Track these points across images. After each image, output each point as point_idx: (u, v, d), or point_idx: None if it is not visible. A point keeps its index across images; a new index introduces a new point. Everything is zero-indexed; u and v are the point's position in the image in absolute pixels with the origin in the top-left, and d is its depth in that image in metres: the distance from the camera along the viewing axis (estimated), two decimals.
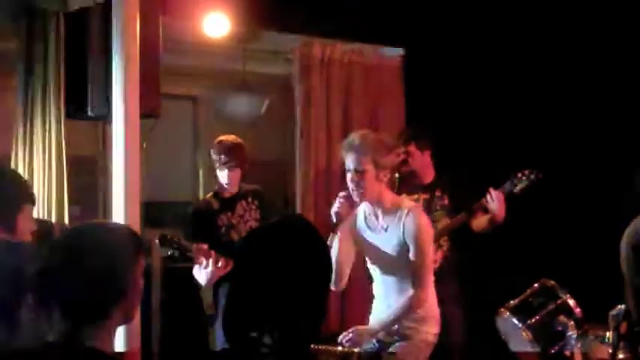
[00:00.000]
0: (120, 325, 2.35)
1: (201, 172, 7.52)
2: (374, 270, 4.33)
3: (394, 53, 6.98)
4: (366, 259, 4.35)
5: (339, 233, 4.12)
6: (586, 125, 5.73)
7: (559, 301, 4.13)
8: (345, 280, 4.26)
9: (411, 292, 4.13)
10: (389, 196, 4.22)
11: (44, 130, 4.21)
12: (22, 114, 4.25)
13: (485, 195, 5.21)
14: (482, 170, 5.47)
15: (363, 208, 4.25)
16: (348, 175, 4.08)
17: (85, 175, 5.84)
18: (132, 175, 4.10)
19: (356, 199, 4.09)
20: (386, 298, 4.29)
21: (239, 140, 5.21)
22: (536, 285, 4.29)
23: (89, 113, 4.18)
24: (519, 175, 5.23)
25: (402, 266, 4.15)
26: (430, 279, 4.25)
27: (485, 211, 5.28)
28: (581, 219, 5.73)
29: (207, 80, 7.21)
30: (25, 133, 4.23)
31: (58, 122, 4.16)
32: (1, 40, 4.90)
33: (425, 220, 4.22)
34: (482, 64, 6.26)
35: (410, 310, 4.16)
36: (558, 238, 5.74)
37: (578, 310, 4.08)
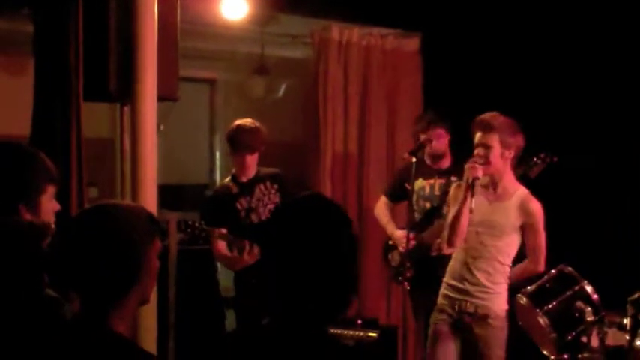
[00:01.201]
0: (136, 306, 2.35)
1: (217, 155, 7.53)
2: (468, 234, 4.50)
3: (412, 37, 6.96)
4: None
5: (472, 198, 4.37)
6: (606, 112, 5.68)
7: (576, 287, 4.12)
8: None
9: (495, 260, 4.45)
10: (509, 175, 4.55)
11: (62, 113, 4.21)
12: (39, 96, 4.25)
13: None
14: None
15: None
16: (476, 150, 4.45)
17: (103, 158, 5.87)
18: (149, 157, 4.10)
19: (480, 173, 4.39)
20: (470, 257, 4.50)
21: (256, 124, 5.21)
22: (553, 271, 4.29)
23: (107, 96, 4.18)
24: (534, 159, 5.20)
25: (500, 234, 4.44)
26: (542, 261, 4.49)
27: None
28: (600, 206, 5.70)
29: (224, 63, 7.20)
30: (42, 115, 4.24)
31: (76, 104, 4.15)
32: (19, 24, 4.91)
33: (539, 205, 4.50)
34: (500, 48, 6.21)
35: (527, 275, 4.48)
36: (577, 225, 5.71)
37: (595, 296, 4.07)
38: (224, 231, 5.04)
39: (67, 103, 4.16)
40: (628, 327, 3.89)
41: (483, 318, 4.43)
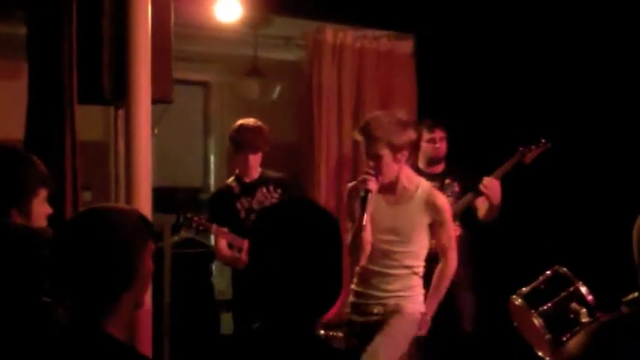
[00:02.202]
0: (131, 309, 2.34)
1: (212, 158, 7.53)
2: (375, 242, 4.30)
3: (406, 39, 6.96)
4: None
5: (366, 213, 4.12)
6: (600, 108, 5.69)
7: (571, 288, 4.12)
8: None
9: (405, 266, 4.29)
10: (408, 173, 4.35)
11: (56, 116, 4.20)
12: (33, 100, 4.23)
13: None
14: (494, 157, 5.44)
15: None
16: (365, 160, 4.20)
17: (97, 161, 5.85)
18: (143, 160, 4.09)
19: (374, 185, 4.14)
20: (378, 266, 4.32)
21: (259, 124, 5.20)
22: (548, 272, 4.28)
23: (101, 99, 4.17)
24: (531, 146, 5.23)
25: (407, 240, 4.27)
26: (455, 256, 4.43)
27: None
28: (595, 206, 5.71)
29: (218, 66, 7.20)
30: (36, 118, 4.22)
31: (70, 108, 4.14)
32: (12, 26, 4.90)
33: (445, 198, 4.47)
34: (493, 50, 6.22)
35: (448, 279, 4.39)
36: (571, 225, 5.72)
37: (590, 297, 4.07)
38: (223, 228, 5.08)
39: (61, 106, 4.14)
40: None
41: (395, 311, 4.28)
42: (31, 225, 2.65)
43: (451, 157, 5.67)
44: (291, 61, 7.15)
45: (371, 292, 4.36)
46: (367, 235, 4.22)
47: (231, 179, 5.35)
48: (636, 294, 3.41)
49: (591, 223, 5.67)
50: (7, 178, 2.75)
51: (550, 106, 5.91)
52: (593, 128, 5.70)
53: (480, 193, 5.31)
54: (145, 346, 4.03)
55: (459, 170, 5.54)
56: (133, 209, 2.50)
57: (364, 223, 4.11)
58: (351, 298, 4.48)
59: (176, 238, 5.81)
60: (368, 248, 4.26)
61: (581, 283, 4.12)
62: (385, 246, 4.29)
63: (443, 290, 4.43)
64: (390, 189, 4.29)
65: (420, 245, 4.34)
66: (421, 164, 5.64)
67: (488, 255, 5.79)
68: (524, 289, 4.26)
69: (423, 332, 4.40)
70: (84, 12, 4.12)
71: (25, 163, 2.78)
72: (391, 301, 4.32)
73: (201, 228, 5.11)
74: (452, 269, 4.41)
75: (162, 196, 6.61)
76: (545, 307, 4.10)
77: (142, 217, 2.35)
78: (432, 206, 4.29)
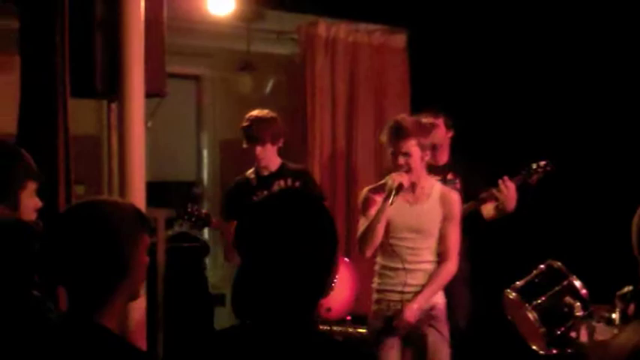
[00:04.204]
0: (125, 302, 2.34)
1: (205, 152, 7.51)
2: (397, 241, 4.53)
3: (399, 33, 6.95)
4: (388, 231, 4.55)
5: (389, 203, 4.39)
6: (598, 108, 5.69)
7: (565, 282, 4.12)
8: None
9: (429, 261, 4.54)
10: (425, 174, 4.60)
11: (48, 110, 4.19)
12: (26, 94, 4.22)
13: (496, 182, 5.17)
14: (492, 152, 5.45)
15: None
16: (396, 158, 4.42)
17: (90, 155, 5.84)
18: (137, 154, 4.08)
19: (407, 181, 4.41)
20: (403, 263, 4.51)
21: (270, 115, 5.15)
22: (542, 266, 4.28)
23: (94, 92, 4.16)
24: (534, 166, 5.22)
25: (429, 236, 4.52)
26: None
27: (495, 199, 5.24)
28: (589, 200, 5.71)
29: (211, 60, 7.18)
30: (29, 112, 4.21)
31: (63, 101, 4.12)
32: (4, 19, 4.88)
33: (458, 195, 4.69)
34: (488, 45, 6.22)
35: (447, 279, 4.57)
36: (565, 220, 5.73)
37: (584, 291, 4.07)
38: (221, 223, 5.08)
39: (54, 100, 4.13)
40: (617, 322, 3.89)
41: (427, 312, 4.51)
42: (20, 218, 2.63)
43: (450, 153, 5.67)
44: (284, 55, 7.13)
45: (404, 289, 4.52)
46: (381, 229, 4.45)
47: (250, 171, 5.30)
48: (631, 287, 3.43)
49: (586, 217, 5.68)
50: None
51: (544, 101, 5.92)
52: (589, 121, 5.70)
53: (483, 202, 5.30)
54: (139, 339, 4.03)
55: (462, 167, 5.53)
56: (129, 203, 2.49)
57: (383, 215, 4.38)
58: (375, 296, 4.66)
59: (170, 232, 5.80)
60: (378, 242, 4.49)
61: (575, 277, 4.12)
62: (410, 243, 4.52)
63: (440, 287, 4.59)
64: (409, 189, 4.50)
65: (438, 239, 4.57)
66: None
67: (483, 249, 5.78)
68: (518, 282, 4.26)
69: (408, 321, 4.46)
70: (76, 5, 4.11)
71: (11, 156, 2.76)
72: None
73: (200, 223, 5.09)
74: (455, 269, 4.60)
75: (156, 190, 6.61)
76: (539, 301, 4.10)
77: (138, 211, 2.35)
78: (446, 200, 4.55)
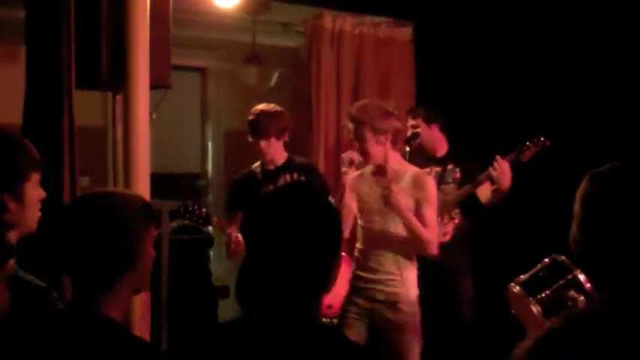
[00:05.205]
0: (131, 294, 2.35)
1: (209, 144, 7.52)
2: (368, 223, 4.60)
3: (405, 26, 6.94)
4: (361, 214, 4.66)
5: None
6: (597, 97, 5.68)
7: (569, 276, 4.11)
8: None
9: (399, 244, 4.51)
10: (395, 156, 4.63)
11: (54, 101, 4.19)
12: (31, 85, 4.22)
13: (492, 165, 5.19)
14: (494, 143, 5.44)
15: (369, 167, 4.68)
16: (354, 144, 4.56)
17: (95, 146, 5.84)
18: (141, 146, 4.09)
19: (364, 163, 4.61)
20: (373, 247, 4.59)
21: (276, 109, 5.13)
22: (546, 260, 4.28)
23: (99, 84, 4.16)
24: (526, 143, 5.22)
25: (397, 220, 4.47)
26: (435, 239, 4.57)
27: (492, 182, 5.25)
28: None
29: (216, 52, 7.18)
30: (34, 103, 4.21)
31: (68, 93, 4.12)
32: (10, 10, 4.88)
33: (433, 181, 4.70)
34: (493, 38, 6.21)
35: (424, 238, 4.44)
36: (570, 213, 5.72)
37: (588, 285, 4.07)
38: (220, 219, 5.07)
39: (59, 91, 4.13)
40: None
41: (394, 304, 4.50)
42: (25, 209, 2.62)
43: (451, 143, 5.67)
44: (289, 48, 7.13)
45: (373, 276, 4.56)
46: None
47: (256, 165, 5.29)
48: None
49: None
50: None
51: (549, 94, 5.90)
52: (591, 112, 5.68)
53: (479, 184, 5.31)
54: (143, 331, 4.04)
55: (461, 156, 5.55)
56: (137, 195, 2.50)
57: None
58: (351, 282, 4.68)
59: (174, 224, 5.80)
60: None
61: (579, 270, 4.12)
62: (378, 226, 4.54)
63: (417, 229, 4.44)
64: (380, 172, 4.57)
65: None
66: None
67: (487, 242, 5.79)
68: (522, 276, 4.26)
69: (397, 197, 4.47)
70: None
71: (15, 147, 2.75)
72: (390, 288, 4.53)
73: (200, 221, 5.07)
74: (434, 244, 4.52)
75: (160, 182, 6.61)
76: (543, 295, 4.10)
77: (146, 203, 2.36)
78: (418, 184, 4.51)
